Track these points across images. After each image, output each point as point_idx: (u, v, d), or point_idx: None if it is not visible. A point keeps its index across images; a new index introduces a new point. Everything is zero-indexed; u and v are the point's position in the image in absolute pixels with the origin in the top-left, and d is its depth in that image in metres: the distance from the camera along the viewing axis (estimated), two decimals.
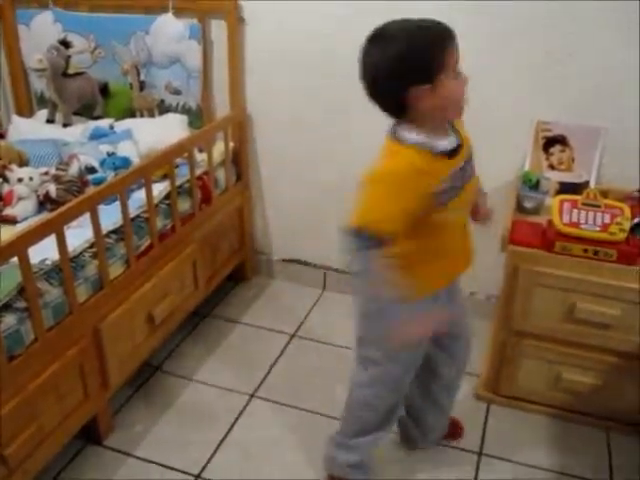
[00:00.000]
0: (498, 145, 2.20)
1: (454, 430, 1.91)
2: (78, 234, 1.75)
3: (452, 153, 1.30)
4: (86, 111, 2.54)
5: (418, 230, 1.31)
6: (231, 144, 2.44)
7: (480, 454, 1.88)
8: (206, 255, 2.32)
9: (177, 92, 2.48)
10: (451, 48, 1.22)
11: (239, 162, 2.52)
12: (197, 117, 2.50)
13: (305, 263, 2.72)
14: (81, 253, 1.75)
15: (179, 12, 2.36)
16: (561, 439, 1.94)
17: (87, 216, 1.69)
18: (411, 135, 1.26)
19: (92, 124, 2.39)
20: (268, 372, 2.20)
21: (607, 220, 1.76)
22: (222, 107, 2.49)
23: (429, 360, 1.62)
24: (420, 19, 1.24)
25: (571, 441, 1.93)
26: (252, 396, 2.10)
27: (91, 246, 1.76)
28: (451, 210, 1.33)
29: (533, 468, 1.84)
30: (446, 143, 1.30)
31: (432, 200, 1.27)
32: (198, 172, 2.24)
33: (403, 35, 1.21)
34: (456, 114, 1.32)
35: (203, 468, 1.82)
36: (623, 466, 1.84)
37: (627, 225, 1.75)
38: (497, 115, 2.16)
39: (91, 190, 1.82)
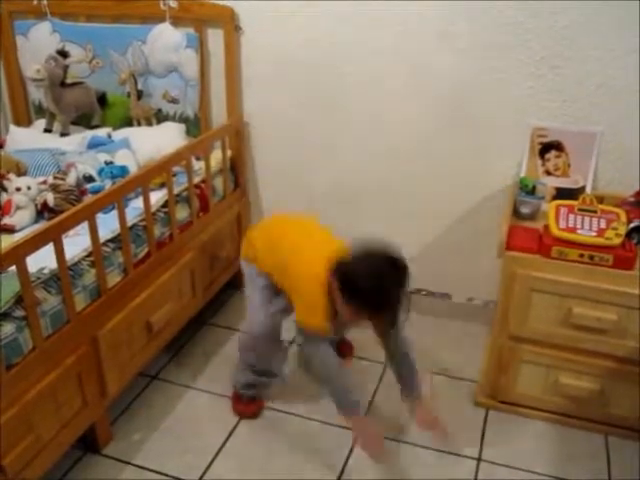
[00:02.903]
0: (494, 151, 2.22)
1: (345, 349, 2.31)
2: (76, 243, 1.76)
3: None
4: (84, 120, 2.55)
5: None
6: (229, 152, 2.46)
7: (479, 460, 1.88)
8: (204, 263, 2.33)
9: (174, 101, 2.50)
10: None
11: (237, 170, 2.53)
12: (194, 126, 2.51)
13: None
14: (79, 261, 1.75)
15: (176, 21, 2.38)
16: (559, 444, 1.94)
17: (85, 225, 1.69)
18: None
19: (90, 133, 2.40)
20: None
21: (603, 225, 1.77)
22: (219, 115, 2.50)
23: None
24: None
25: (569, 446, 1.93)
26: None
27: (89, 255, 1.76)
28: None
29: (532, 473, 1.83)
30: None
31: None
32: (196, 180, 2.25)
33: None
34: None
35: (202, 476, 1.82)
36: (621, 470, 1.84)
37: (623, 230, 1.76)
38: (493, 121, 2.17)
39: (89, 199, 1.83)
